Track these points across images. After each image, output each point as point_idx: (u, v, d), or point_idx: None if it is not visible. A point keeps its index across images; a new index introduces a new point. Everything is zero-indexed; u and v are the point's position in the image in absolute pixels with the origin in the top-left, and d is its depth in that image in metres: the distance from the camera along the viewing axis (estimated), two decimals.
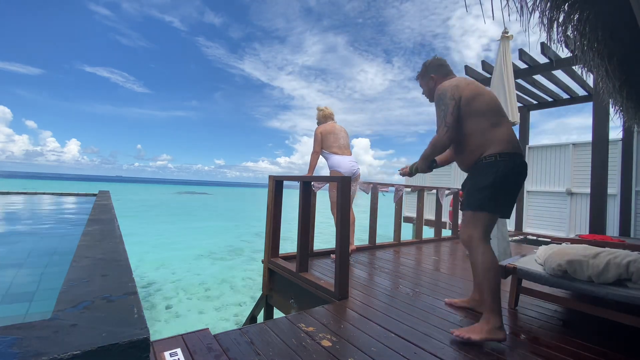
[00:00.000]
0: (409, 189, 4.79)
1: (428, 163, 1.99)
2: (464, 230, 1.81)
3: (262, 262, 3.24)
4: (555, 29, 2.25)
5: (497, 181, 1.69)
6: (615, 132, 5.13)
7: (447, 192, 5.32)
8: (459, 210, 1.83)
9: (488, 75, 5.38)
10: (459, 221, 5.62)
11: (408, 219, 8.82)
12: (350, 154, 3.63)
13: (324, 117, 3.76)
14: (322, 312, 2.01)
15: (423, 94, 2.17)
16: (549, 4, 2.08)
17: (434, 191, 5.09)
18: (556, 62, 4.57)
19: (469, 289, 2.59)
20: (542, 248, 2.19)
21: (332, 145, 3.55)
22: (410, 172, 2.09)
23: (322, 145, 3.57)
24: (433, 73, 2.07)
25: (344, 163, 3.49)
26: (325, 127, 3.63)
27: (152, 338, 1.05)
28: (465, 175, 1.96)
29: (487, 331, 1.62)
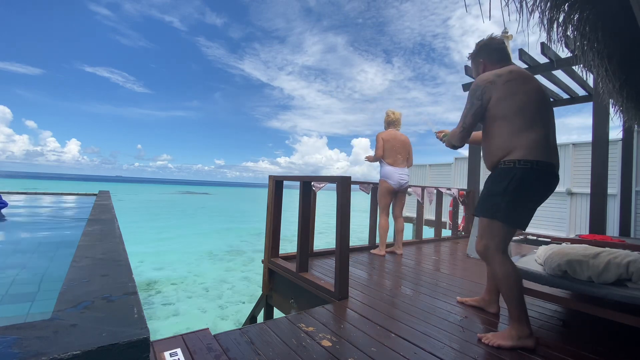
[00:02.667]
0: (409, 189, 4.79)
1: (450, 145, 1.97)
2: (479, 240, 1.71)
3: (262, 262, 3.24)
4: (555, 29, 2.25)
5: (509, 189, 1.57)
6: (615, 132, 5.13)
7: (447, 192, 5.31)
8: (474, 216, 1.83)
9: None
10: (459, 221, 5.62)
11: (408, 219, 8.82)
12: (405, 165, 3.72)
13: (388, 124, 3.79)
14: (322, 312, 2.01)
15: (474, 77, 1.99)
16: (549, 4, 2.08)
17: (434, 191, 5.09)
18: (556, 62, 4.57)
19: (469, 289, 2.60)
20: (542, 248, 2.19)
21: (388, 155, 3.64)
22: (441, 139, 2.14)
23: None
24: (483, 57, 1.87)
25: (392, 174, 3.61)
26: (387, 134, 3.68)
27: (152, 338, 1.05)
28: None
29: (517, 338, 1.59)
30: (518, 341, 1.59)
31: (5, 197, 3.32)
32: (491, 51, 1.85)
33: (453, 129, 1.92)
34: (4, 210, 3.24)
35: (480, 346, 1.63)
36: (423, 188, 4.09)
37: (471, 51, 1.96)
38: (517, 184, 1.57)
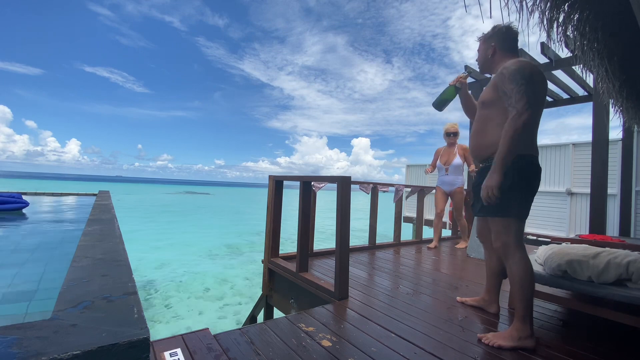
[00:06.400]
0: (409, 189, 4.79)
1: (510, 153, 1.57)
2: (496, 238, 1.71)
3: (262, 262, 3.24)
4: (555, 29, 2.24)
5: (520, 184, 1.61)
6: (615, 132, 5.14)
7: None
8: (474, 216, 1.88)
9: (488, 75, 5.38)
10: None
11: (408, 219, 8.81)
12: (447, 172, 4.28)
13: (444, 136, 4.36)
14: (322, 312, 2.01)
15: (476, 60, 1.96)
16: (549, 4, 2.08)
17: (434, 191, 5.09)
18: (556, 62, 4.56)
19: (469, 289, 2.59)
20: (542, 248, 2.19)
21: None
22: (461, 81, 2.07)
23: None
24: (495, 42, 1.83)
25: (439, 182, 4.41)
26: (439, 150, 4.42)
27: (152, 338, 1.05)
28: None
29: (518, 339, 1.60)
30: (519, 342, 1.59)
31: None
32: (505, 38, 1.82)
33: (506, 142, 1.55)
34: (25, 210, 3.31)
35: (480, 346, 1.63)
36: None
37: (482, 35, 1.91)
38: (524, 178, 1.62)
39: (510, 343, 1.59)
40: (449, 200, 5.47)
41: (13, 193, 3.52)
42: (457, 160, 4.22)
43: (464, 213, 4.70)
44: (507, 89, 1.60)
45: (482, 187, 1.63)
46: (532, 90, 1.56)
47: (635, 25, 1.64)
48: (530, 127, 1.60)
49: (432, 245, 4.39)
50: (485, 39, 1.89)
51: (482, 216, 1.82)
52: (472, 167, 4.12)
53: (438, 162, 4.37)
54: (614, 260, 1.72)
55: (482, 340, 1.66)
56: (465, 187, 5.77)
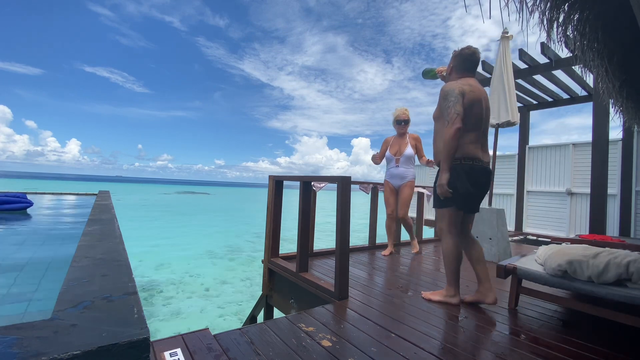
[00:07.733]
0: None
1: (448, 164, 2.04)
2: (437, 223, 2.18)
3: (262, 262, 3.24)
4: (555, 29, 2.24)
5: (450, 184, 2.00)
6: (615, 132, 5.14)
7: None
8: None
9: (488, 76, 5.39)
10: None
11: None
12: (398, 164, 3.77)
13: (394, 124, 3.87)
14: (322, 312, 2.01)
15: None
16: (549, 4, 2.08)
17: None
18: (556, 62, 4.57)
19: (469, 289, 2.59)
20: (542, 248, 2.20)
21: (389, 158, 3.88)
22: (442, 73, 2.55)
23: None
24: (454, 64, 2.17)
25: (387, 176, 3.90)
26: (388, 139, 3.92)
27: (152, 338, 1.05)
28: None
29: (445, 296, 2.19)
30: (445, 298, 2.17)
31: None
32: (465, 62, 2.13)
33: (449, 126, 2.00)
34: (29, 210, 3.33)
35: (481, 346, 1.63)
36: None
37: (457, 50, 2.21)
38: (456, 179, 2.00)
39: (439, 298, 2.18)
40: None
41: (18, 193, 3.56)
42: (409, 150, 3.70)
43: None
44: (443, 106, 2.01)
45: (436, 186, 2.07)
46: (460, 105, 1.93)
47: (635, 25, 1.64)
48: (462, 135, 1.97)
49: (386, 252, 3.81)
50: (453, 57, 2.20)
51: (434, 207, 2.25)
52: (425, 158, 3.73)
53: (387, 152, 3.82)
54: (614, 260, 1.72)
55: (422, 295, 2.26)
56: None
